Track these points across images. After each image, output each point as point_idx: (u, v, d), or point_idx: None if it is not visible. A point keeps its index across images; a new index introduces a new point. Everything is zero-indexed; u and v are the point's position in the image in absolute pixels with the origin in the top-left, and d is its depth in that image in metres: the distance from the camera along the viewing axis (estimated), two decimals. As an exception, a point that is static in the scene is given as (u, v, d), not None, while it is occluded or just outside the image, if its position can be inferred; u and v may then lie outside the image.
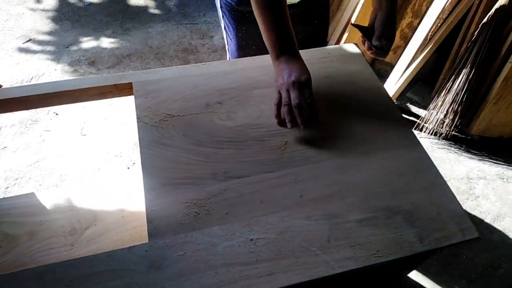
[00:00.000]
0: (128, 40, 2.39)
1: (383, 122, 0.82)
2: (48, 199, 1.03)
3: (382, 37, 0.92)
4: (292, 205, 0.68)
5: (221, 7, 1.08)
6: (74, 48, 2.33)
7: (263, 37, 0.80)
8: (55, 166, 1.71)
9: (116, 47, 2.34)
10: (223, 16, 1.10)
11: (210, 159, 0.74)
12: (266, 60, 0.94)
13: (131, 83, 0.85)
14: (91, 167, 1.72)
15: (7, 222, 0.99)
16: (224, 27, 1.13)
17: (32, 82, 2.11)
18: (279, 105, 0.76)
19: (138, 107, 0.81)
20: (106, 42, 2.37)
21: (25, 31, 2.43)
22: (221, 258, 0.61)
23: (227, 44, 1.16)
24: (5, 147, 1.79)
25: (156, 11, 2.66)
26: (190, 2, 2.76)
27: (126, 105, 1.99)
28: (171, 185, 0.69)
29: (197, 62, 1.99)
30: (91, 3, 2.67)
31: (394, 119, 0.83)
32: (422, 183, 0.73)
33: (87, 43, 2.36)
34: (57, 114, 1.93)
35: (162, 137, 0.76)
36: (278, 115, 0.77)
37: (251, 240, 0.63)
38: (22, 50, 2.31)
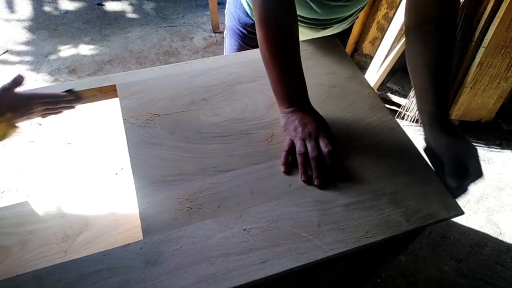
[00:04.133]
0: (108, 46, 2.38)
1: (365, 109, 0.85)
2: (38, 208, 1.02)
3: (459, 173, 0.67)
4: (282, 194, 0.70)
5: (230, 21, 1.09)
6: (53, 57, 2.30)
7: (271, 85, 0.76)
8: (42, 177, 1.69)
9: (96, 53, 2.32)
10: (230, 30, 1.11)
11: (198, 155, 0.75)
12: (247, 56, 0.96)
13: (115, 85, 0.86)
14: (78, 175, 1.71)
15: (-3, 233, 0.99)
16: (226, 34, 1.16)
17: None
18: (288, 152, 0.72)
19: (123, 109, 0.82)
20: (86, 49, 2.35)
21: (1, 43, 2.39)
22: (216, 249, 0.62)
23: (225, 50, 1.19)
24: (-11, 159, 1.76)
25: (134, 16, 2.65)
26: (168, 5, 2.76)
27: (109, 110, 1.97)
28: (162, 183, 0.70)
29: (179, 64, 1.99)
30: (67, 11, 2.64)
31: (375, 106, 0.86)
32: (405, 165, 0.76)
33: (66, 51, 2.34)
34: (40, 124, 1.91)
35: (149, 137, 0.77)
36: (285, 163, 0.72)
37: (244, 230, 0.65)
38: (1, 61, 2.28)
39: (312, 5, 0.87)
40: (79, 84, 0.86)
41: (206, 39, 2.46)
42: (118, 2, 2.73)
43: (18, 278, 0.57)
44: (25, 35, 2.45)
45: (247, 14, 1.03)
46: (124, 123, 0.79)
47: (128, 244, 0.62)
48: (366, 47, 2.23)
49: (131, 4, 2.73)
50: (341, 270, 0.90)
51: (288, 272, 0.61)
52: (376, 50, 2.03)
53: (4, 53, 2.33)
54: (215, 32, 2.50)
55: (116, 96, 0.86)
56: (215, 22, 2.46)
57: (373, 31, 2.14)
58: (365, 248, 0.65)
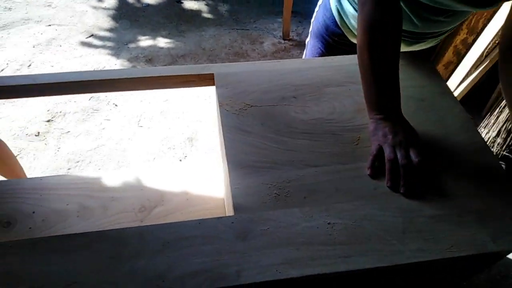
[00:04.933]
0: (183, 41, 2.51)
1: (455, 127, 0.84)
2: (118, 178, 1.10)
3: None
4: (367, 196, 0.71)
5: (317, 29, 1.13)
6: (132, 45, 2.46)
7: (364, 90, 0.78)
8: (113, 153, 1.82)
9: (172, 47, 2.46)
10: (314, 38, 1.16)
11: (287, 147, 0.78)
12: (337, 61, 0.98)
13: (213, 74, 0.92)
14: (146, 156, 1.81)
15: (82, 195, 1.07)
16: (308, 41, 1.20)
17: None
18: (375, 157, 0.74)
19: (219, 96, 0.87)
20: (162, 42, 2.49)
21: (88, 27, 2.60)
22: (300, 237, 0.65)
23: (305, 55, 1.24)
24: (68, 132, 1.91)
25: (209, 16, 2.77)
26: (242, 9, 2.86)
27: (180, 102, 2.08)
28: (252, 168, 0.74)
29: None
30: (148, 5, 2.82)
31: (465, 125, 0.85)
32: (493, 187, 0.75)
33: (145, 41, 2.49)
34: (116, 105, 2.05)
35: (242, 124, 0.82)
36: (371, 166, 0.74)
37: (328, 223, 0.67)
38: (85, 44, 2.47)
39: (413, 18, 0.88)
40: (179, 69, 0.92)
41: (275, 44, 2.52)
42: (195, 2, 2.87)
43: (125, 230, 0.63)
44: (109, 23, 2.64)
45: (337, 24, 1.06)
46: (219, 109, 0.84)
47: (222, 217, 0.66)
48: (439, 69, 2.18)
49: (207, 4, 2.86)
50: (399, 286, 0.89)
51: (368, 270, 0.62)
52: (449, 75, 1.98)
53: (89, 37, 2.53)
54: (284, 39, 2.56)
55: (212, 84, 0.92)
56: (286, 29, 2.52)
57: (449, 55, 2.10)
58: (445, 262, 0.65)
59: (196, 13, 2.79)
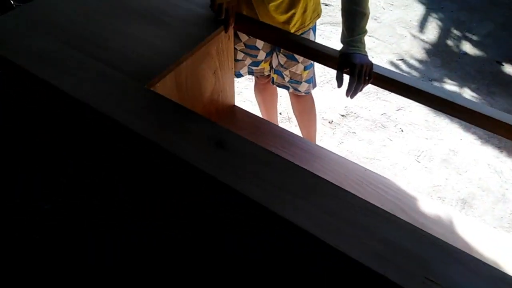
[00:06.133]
0: (490, 102, 2.35)
1: None
2: (429, 207, 1.12)
3: None
4: None
5: None
6: (436, 84, 2.46)
7: None
8: (385, 172, 1.88)
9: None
10: None
11: None
12: None
13: None
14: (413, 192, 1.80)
15: (396, 203, 1.15)
16: None
17: (392, 96, 2.37)
18: None
19: None
20: (468, 94, 2.40)
21: (401, 51, 2.73)
22: None
23: None
24: (354, 133, 2.09)
25: (527, 91, 2.50)
26: None
27: (468, 153, 1.97)
28: None
29: None
30: (465, 53, 2.74)
31: None
32: None
33: (450, 87, 2.45)
34: (402, 131, 2.11)
35: None
36: None
37: None
38: (393, 64, 2.62)
39: None
40: None
41: None
42: (517, 69, 2.63)
43: None
44: (421, 54, 2.71)
45: None
46: None
47: None
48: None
49: (529, 77, 2.58)
50: None
51: None
52: None
53: (400, 60, 2.66)
54: None
55: None
56: None
57: None
58: None
59: (513, 81, 2.56)
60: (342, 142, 2.03)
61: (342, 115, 2.18)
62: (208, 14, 1.15)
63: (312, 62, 1.36)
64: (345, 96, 1.03)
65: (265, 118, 1.84)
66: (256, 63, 1.42)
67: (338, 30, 2.62)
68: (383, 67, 1.04)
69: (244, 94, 2.29)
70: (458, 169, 1.94)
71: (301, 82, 1.41)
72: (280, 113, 2.17)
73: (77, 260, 1.32)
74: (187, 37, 1.08)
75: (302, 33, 1.28)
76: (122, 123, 0.84)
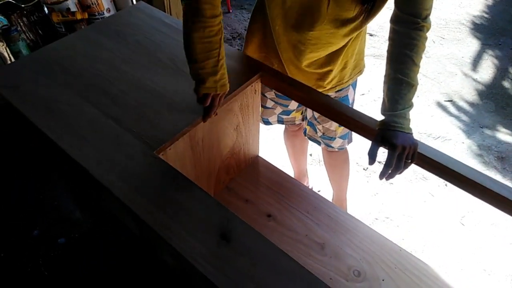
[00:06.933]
0: (550, 159, 2.08)
1: None
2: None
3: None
4: None
5: None
6: (487, 132, 2.23)
7: None
8: (426, 236, 1.69)
9: (534, 158, 2.08)
10: None
11: None
12: None
13: None
14: (456, 262, 1.60)
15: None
16: None
17: (437, 142, 2.17)
18: None
19: None
20: (524, 146, 2.14)
21: (450, 90, 2.51)
22: None
23: None
24: (391, 183, 1.91)
25: None
26: None
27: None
28: None
29: None
30: (523, 98, 2.48)
31: None
32: None
33: (504, 135, 2.21)
34: (446, 185, 1.91)
35: None
36: None
37: None
38: (440, 106, 2.41)
39: None
40: None
41: None
42: None
43: None
44: (473, 97, 2.48)
45: None
46: None
47: None
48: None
49: None
50: None
51: None
52: None
53: (448, 101, 2.44)
54: None
55: None
56: None
57: None
58: None
59: None
60: (377, 194, 1.86)
61: (379, 162, 2.00)
62: (234, 66, 1.06)
63: (348, 118, 1.22)
64: (378, 179, 0.88)
65: (292, 162, 1.71)
66: (287, 112, 1.29)
67: (382, 63, 2.45)
68: (431, 148, 0.88)
69: (269, 132, 2.17)
70: (503, 242, 1.70)
71: (335, 138, 1.27)
72: (311, 155, 2.04)
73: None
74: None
75: (339, 90, 1.14)
76: (122, 200, 0.75)
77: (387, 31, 0.88)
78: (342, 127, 1.23)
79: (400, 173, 0.86)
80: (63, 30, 2.34)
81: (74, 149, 0.84)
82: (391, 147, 0.83)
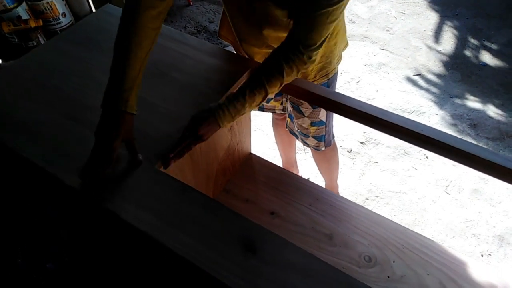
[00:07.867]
0: (517, 120, 2.20)
1: None
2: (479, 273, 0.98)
3: None
4: None
5: None
6: (458, 101, 2.31)
7: None
8: (412, 207, 1.74)
9: (502, 121, 2.19)
10: None
11: None
12: None
13: None
14: (445, 229, 1.66)
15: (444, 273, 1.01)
16: None
17: (412, 117, 2.22)
18: None
19: None
20: (492, 111, 2.25)
21: (417, 65, 2.58)
22: None
23: None
24: (376, 162, 1.94)
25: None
26: None
27: (500, 186, 1.83)
28: None
29: None
30: (486, 65, 2.59)
31: None
32: None
33: (473, 103, 2.30)
34: (427, 157, 1.97)
35: None
36: None
37: None
38: (410, 80, 2.47)
39: None
40: None
41: None
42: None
43: None
44: (439, 68, 2.56)
45: None
46: None
47: None
48: None
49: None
50: None
51: None
52: None
53: (417, 75, 2.51)
54: None
55: None
56: None
57: None
58: None
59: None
60: (364, 174, 1.89)
61: (362, 143, 2.04)
62: (222, 66, 1.01)
63: (323, 119, 1.20)
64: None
65: (280, 152, 1.70)
66: (267, 99, 1.27)
67: (354, 44, 2.47)
68: (417, 122, 0.89)
69: (254, 122, 2.14)
70: (491, 200, 1.79)
71: (309, 136, 1.26)
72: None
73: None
74: (199, 96, 0.94)
75: None
76: (127, 221, 0.71)
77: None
78: (315, 127, 1.21)
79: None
80: (16, 40, 2.17)
81: (68, 174, 0.78)
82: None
